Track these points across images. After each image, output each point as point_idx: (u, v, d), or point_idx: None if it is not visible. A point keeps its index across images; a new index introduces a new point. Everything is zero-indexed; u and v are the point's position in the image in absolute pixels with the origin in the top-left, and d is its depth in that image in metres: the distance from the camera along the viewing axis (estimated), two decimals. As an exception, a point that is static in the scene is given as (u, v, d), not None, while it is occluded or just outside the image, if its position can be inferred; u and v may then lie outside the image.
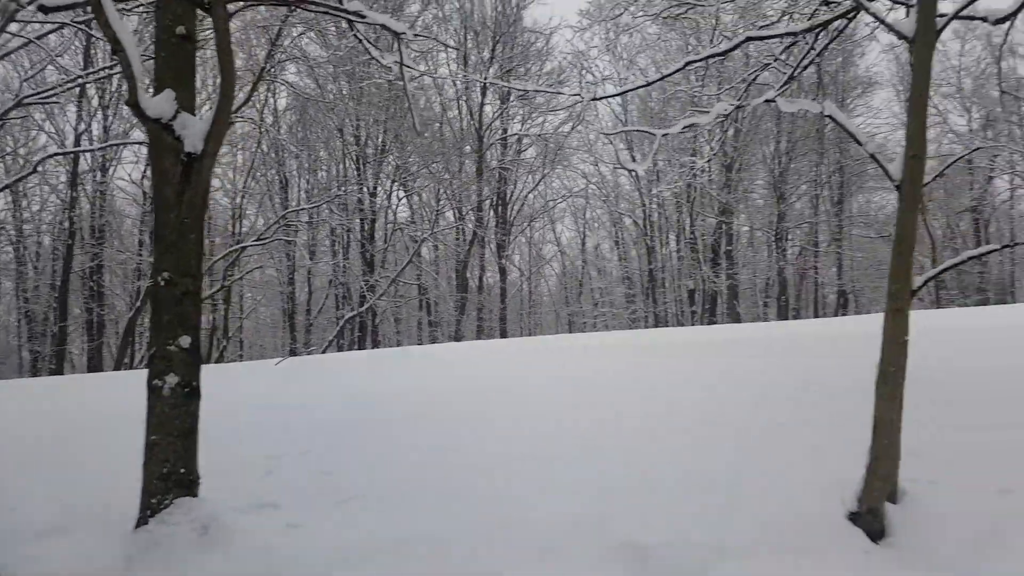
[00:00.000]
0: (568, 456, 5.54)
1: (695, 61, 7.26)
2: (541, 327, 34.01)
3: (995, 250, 4.11)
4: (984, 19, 5.72)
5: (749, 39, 6.69)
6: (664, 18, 10.27)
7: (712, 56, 6.93)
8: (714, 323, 28.25)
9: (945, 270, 4.15)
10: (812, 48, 8.09)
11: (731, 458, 5.39)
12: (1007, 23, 7.17)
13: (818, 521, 4.27)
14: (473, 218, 29.21)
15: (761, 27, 8.52)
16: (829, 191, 31.41)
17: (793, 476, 4.87)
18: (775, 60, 8.56)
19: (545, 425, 6.63)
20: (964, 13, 6.33)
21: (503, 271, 30.57)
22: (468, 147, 29.19)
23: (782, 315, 29.58)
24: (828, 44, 8.10)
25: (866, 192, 33.22)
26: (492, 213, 30.58)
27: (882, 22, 3.95)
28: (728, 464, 5.23)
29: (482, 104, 29.28)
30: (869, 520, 4.21)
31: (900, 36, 3.87)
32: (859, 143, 3.98)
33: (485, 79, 25.20)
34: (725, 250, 29.29)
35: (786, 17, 8.51)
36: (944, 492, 4.73)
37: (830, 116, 4.02)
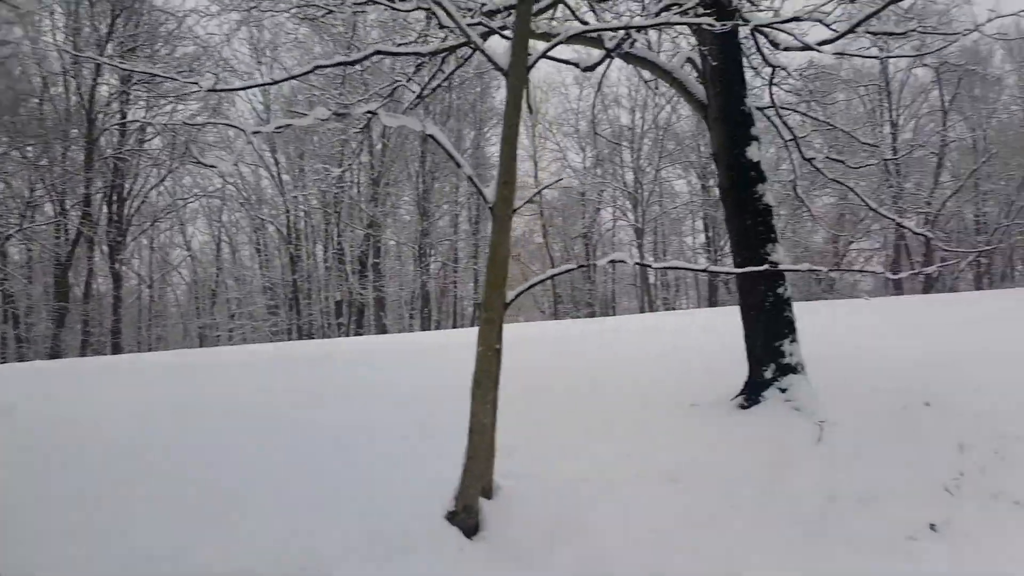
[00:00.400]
0: (151, 488, 5.00)
1: (325, 66, 7.13)
2: (166, 341, 30.79)
3: (571, 269, 4.65)
4: (576, 64, 6.59)
5: (378, 52, 6.75)
6: (301, 18, 10.06)
7: (341, 64, 6.84)
8: (360, 334, 28.53)
9: (532, 286, 4.57)
10: (440, 71, 8.55)
11: (337, 469, 5.29)
12: (597, 70, 8.40)
13: (417, 524, 4.37)
14: (79, 214, 24.85)
15: (399, 44, 8.75)
16: (468, 211, 33.99)
17: (397, 482, 4.95)
18: (408, 80, 8.86)
19: (135, 453, 5.89)
20: (558, 56, 7.28)
21: (117, 277, 26.54)
22: (76, 131, 24.94)
23: (425, 326, 31.06)
24: (455, 70, 8.65)
25: (499, 215, 36.59)
26: (105, 209, 26.43)
27: (482, 52, 4.24)
28: (333, 476, 5.14)
29: (95, 83, 25.16)
30: (464, 518, 4.43)
31: (497, 68, 4.20)
32: (458, 165, 4.21)
33: (81, 53, 21.76)
34: (373, 263, 29.81)
35: (422, 39, 8.85)
36: (534, 484, 5.17)
37: (431, 136, 4.19)
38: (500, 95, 31.86)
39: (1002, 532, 4.49)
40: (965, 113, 33.95)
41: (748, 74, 7.66)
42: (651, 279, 35.38)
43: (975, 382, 7.57)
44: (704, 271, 4.39)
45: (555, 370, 9.58)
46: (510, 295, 4.61)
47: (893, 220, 8.96)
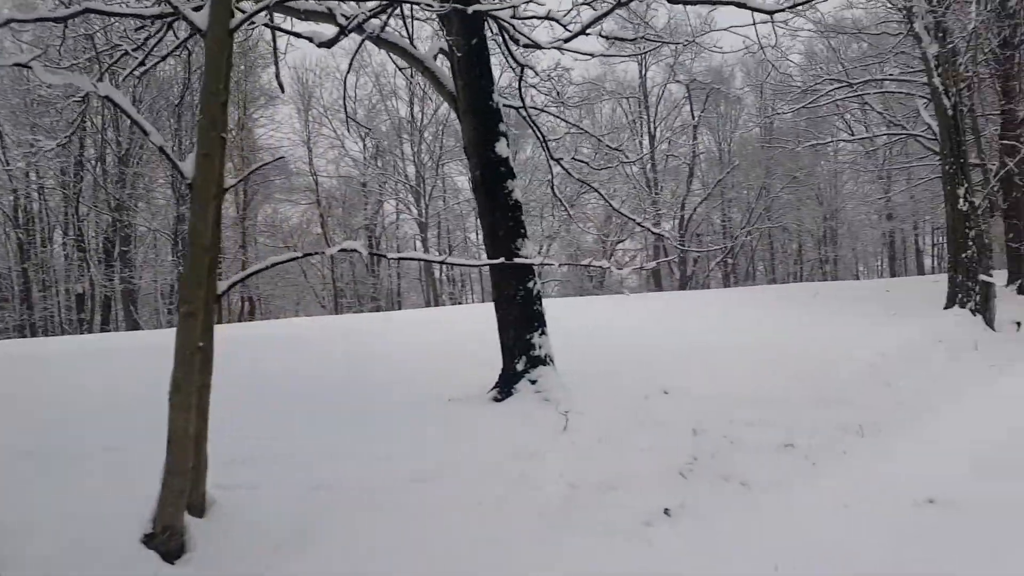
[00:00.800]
0: None
1: (22, 20, 6.05)
2: None
3: (296, 258, 4.25)
4: (310, 39, 6.13)
5: (89, 10, 5.84)
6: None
7: (44, 19, 5.84)
8: (107, 331, 25.55)
9: (247, 276, 4.12)
10: (172, 31, 7.72)
11: (14, 492, 4.48)
12: (357, 51, 7.99)
13: (106, 551, 3.76)
14: None
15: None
16: (233, 195, 31.61)
17: (89, 504, 4.25)
18: (136, 47, 7.91)
19: None
20: (289, 29, 6.77)
21: None
22: None
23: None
24: (188, 38, 7.84)
25: (273, 203, 34.69)
26: None
27: (180, 13, 3.71)
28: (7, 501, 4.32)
29: None
30: (165, 540, 3.88)
31: (195, 28, 3.70)
32: (145, 133, 3.65)
33: None
34: (121, 251, 26.72)
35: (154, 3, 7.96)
36: (264, 496, 4.71)
37: (107, 97, 3.58)
38: (267, 74, 29.89)
39: (730, 513, 4.74)
40: (712, 127, 38.06)
41: (508, 75, 7.72)
42: (436, 274, 35.46)
43: (710, 371, 8.22)
44: (442, 262, 4.21)
45: (309, 369, 9.06)
46: (222, 286, 4.11)
47: (633, 220, 9.59)
